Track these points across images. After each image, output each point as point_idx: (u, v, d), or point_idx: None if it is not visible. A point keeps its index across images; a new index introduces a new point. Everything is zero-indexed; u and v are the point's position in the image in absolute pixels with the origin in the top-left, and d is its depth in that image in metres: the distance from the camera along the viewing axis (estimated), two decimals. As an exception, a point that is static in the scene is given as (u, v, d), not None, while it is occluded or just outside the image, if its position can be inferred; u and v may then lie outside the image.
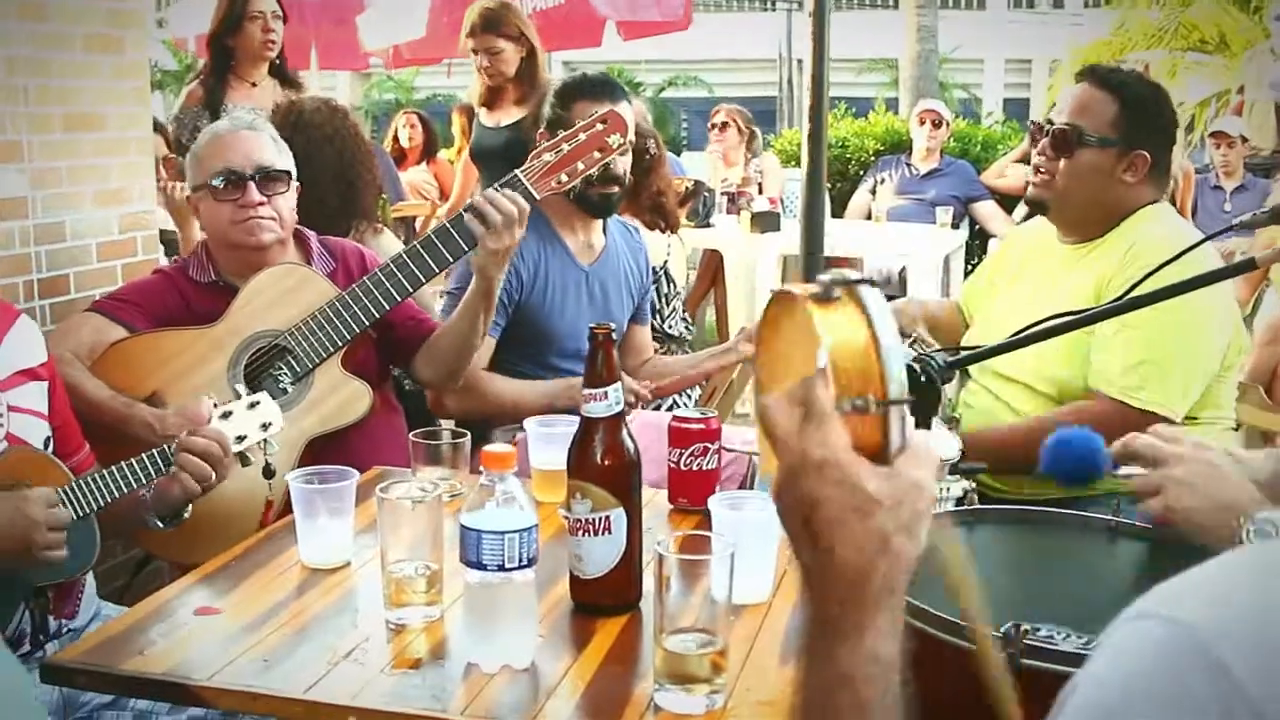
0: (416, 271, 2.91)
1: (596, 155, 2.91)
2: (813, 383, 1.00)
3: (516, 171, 2.91)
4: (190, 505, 2.41)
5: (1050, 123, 2.97)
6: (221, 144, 3.00)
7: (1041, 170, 2.97)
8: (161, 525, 2.41)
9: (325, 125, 3.74)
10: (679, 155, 10.59)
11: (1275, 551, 0.85)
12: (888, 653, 0.98)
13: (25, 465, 2.26)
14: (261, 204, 2.96)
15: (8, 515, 2.09)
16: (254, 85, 5.21)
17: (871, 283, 1.03)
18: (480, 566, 1.73)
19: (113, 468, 2.29)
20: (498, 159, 5.29)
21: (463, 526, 1.75)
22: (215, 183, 2.95)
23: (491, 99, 5.57)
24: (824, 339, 1.00)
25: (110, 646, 1.85)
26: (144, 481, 2.31)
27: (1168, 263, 2.30)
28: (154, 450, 2.32)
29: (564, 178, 2.90)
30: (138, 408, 2.80)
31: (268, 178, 2.99)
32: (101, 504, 2.27)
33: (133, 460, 2.31)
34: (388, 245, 3.81)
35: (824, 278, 1.04)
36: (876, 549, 0.98)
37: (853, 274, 1.04)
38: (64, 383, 2.60)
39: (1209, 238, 2.53)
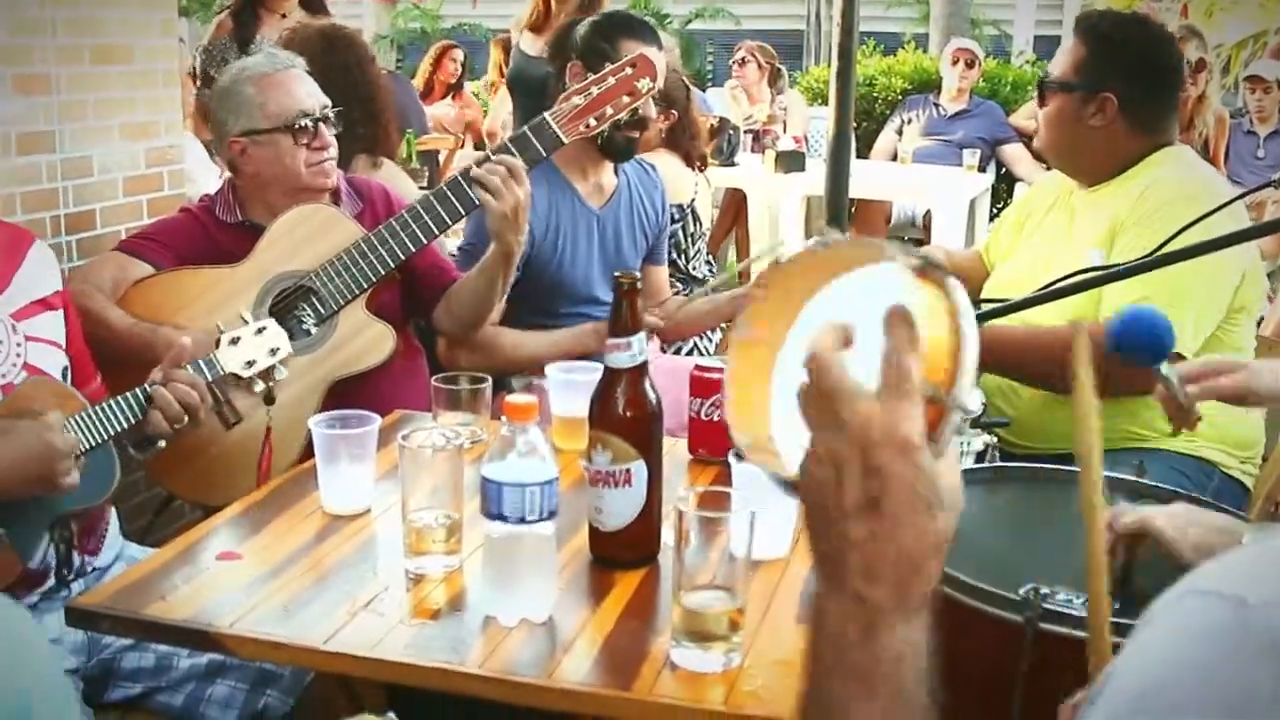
0: (443, 214, 2.90)
1: (625, 100, 2.89)
2: (910, 359, 0.93)
3: (545, 115, 2.89)
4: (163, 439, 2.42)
5: None
6: (282, 85, 2.99)
7: (1038, 122, 3.04)
8: (132, 451, 2.43)
9: (317, 57, 3.70)
10: (704, 90, 10.50)
11: None
12: (923, 644, 0.94)
13: (44, 394, 2.27)
14: (331, 144, 3.01)
15: (32, 442, 2.10)
16: (283, 16, 5.17)
17: (961, 280, 1.00)
18: (501, 518, 1.74)
19: (125, 394, 2.30)
20: (537, 93, 5.21)
21: (484, 478, 1.75)
22: (293, 126, 2.95)
23: (541, 22, 5.44)
24: (919, 318, 0.94)
25: (133, 591, 1.87)
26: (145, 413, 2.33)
27: (1197, 221, 2.28)
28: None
29: (593, 122, 2.88)
30: (161, 330, 2.81)
31: (328, 117, 3.02)
32: (116, 430, 2.29)
33: (145, 385, 2.33)
34: (389, 178, 3.77)
35: (916, 256, 0.99)
36: (933, 545, 0.93)
37: (939, 258, 1.01)
38: (87, 314, 2.61)
39: (1243, 195, 2.51)
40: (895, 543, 0.93)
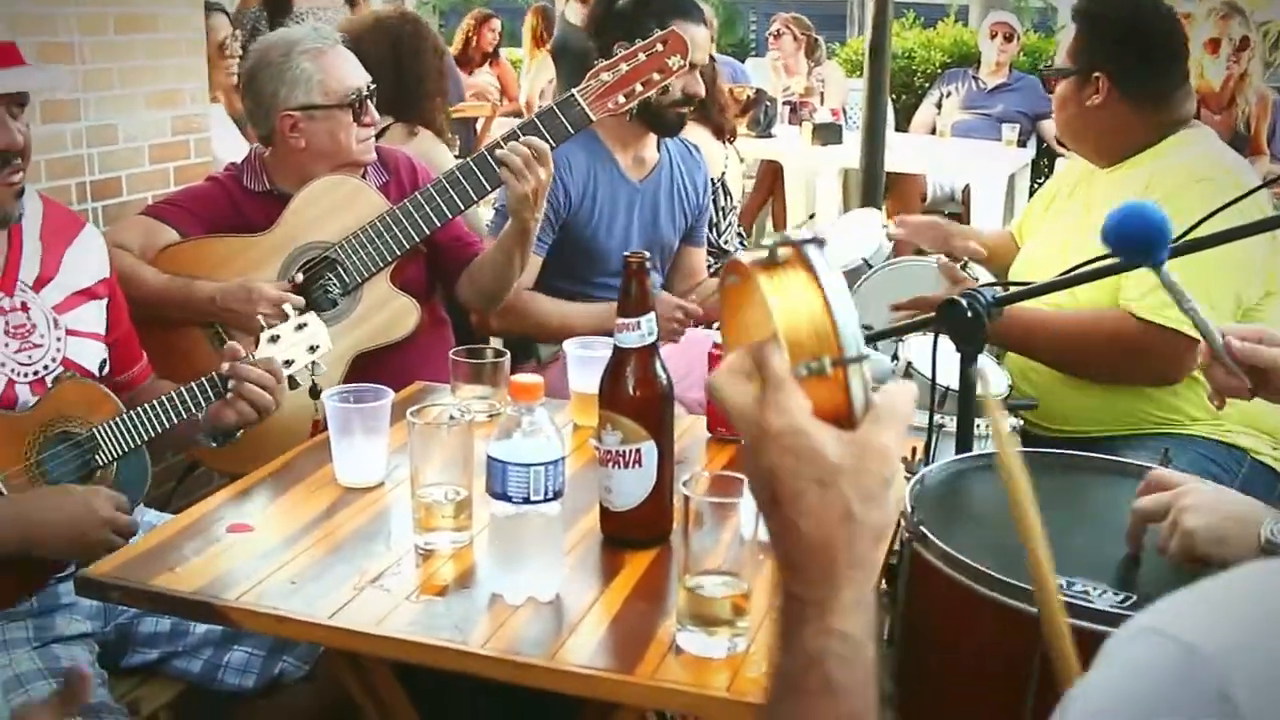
0: (469, 189, 2.88)
1: (656, 77, 2.86)
2: (766, 349, 0.95)
3: (573, 91, 2.87)
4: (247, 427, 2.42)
5: None
6: (338, 63, 3.00)
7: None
8: (214, 444, 2.44)
9: (377, 38, 3.75)
10: (744, 61, 10.43)
11: None
12: (856, 630, 0.94)
13: (77, 397, 2.27)
14: (378, 121, 3.05)
15: (77, 514, 2.10)
16: None
17: (819, 241, 0.98)
18: (506, 498, 1.73)
19: (162, 398, 2.30)
20: (582, 64, 5.17)
21: (489, 457, 1.74)
22: (352, 103, 2.97)
23: None
24: (773, 304, 0.96)
25: (143, 561, 1.88)
26: (193, 411, 2.32)
27: (1225, 207, 2.23)
28: (203, 379, 2.33)
29: (621, 99, 2.86)
30: (196, 284, 2.83)
31: (373, 95, 3.05)
32: (153, 434, 2.29)
33: (181, 390, 2.32)
34: (424, 149, 3.77)
35: (767, 241, 0.98)
36: (838, 519, 0.93)
37: (799, 233, 0.99)
38: (119, 274, 2.61)
39: (1257, 189, 2.47)
40: (796, 531, 0.94)
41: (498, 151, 2.81)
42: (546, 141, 2.81)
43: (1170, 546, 1.73)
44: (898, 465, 0.96)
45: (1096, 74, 2.84)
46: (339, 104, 2.97)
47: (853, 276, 3.17)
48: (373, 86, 3.04)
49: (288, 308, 2.46)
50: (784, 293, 0.96)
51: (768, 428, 0.94)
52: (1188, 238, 2.11)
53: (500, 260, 2.98)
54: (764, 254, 0.98)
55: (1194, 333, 2.61)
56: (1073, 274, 2.24)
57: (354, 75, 3.01)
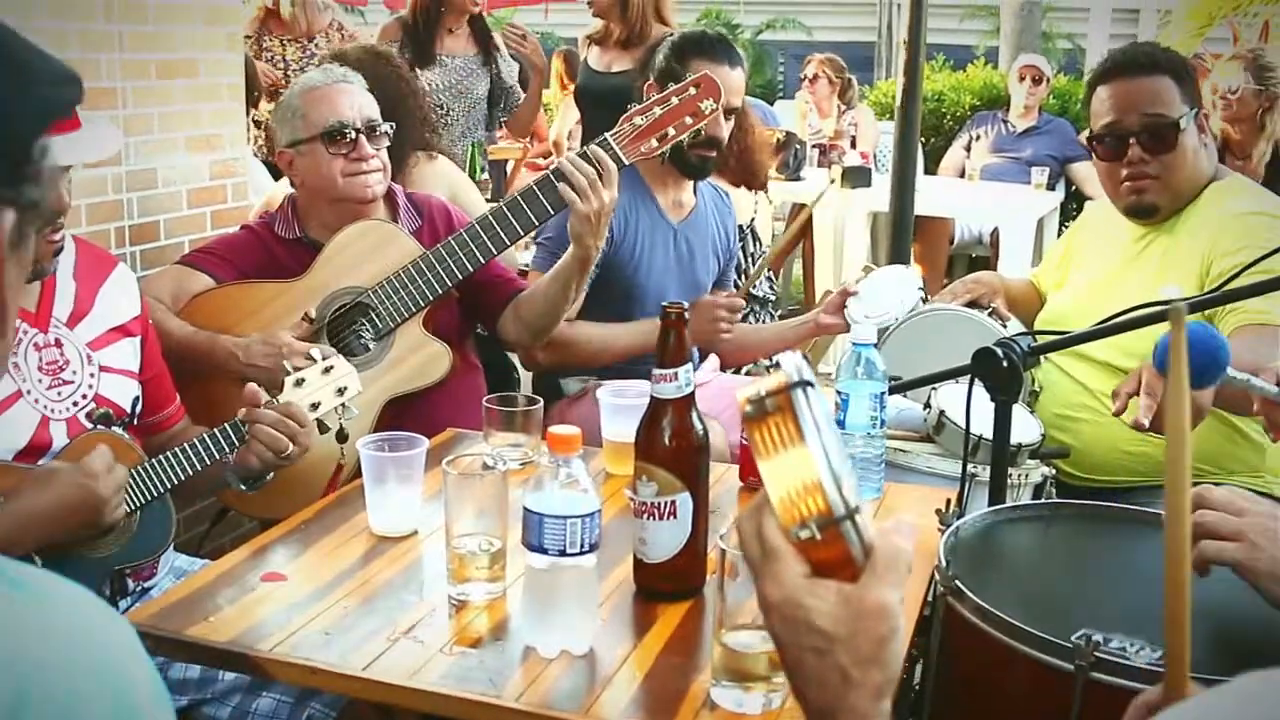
0: (501, 233, 2.89)
1: (689, 120, 2.86)
2: (760, 516, 0.99)
3: (606, 135, 2.88)
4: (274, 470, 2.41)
5: (1117, 127, 2.86)
6: (324, 97, 3.00)
7: (1144, 176, 2.85)
8: (245, 488, 2.44)
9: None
10: (772, 104, 10.46)
11: None
12: None
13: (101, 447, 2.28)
14: (373, 156, 3.00)
15: (73, 497, 2.08)
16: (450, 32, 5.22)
17: (807, 384, 0.97)
18: (541, 550, 1.73)
19: (184, 445, 2.31)
20: (602, 106, 5.21)
21: (525, 509, 1.74)
22: (326, 136, 2.96)
23: (604, 37, 5.43)
24: (762, 467, 0.97)
25: (178, 610, 1.88)
26: (214, 458, 2.32)
27: (1263, 258, 2.23)
28: (224, 426, 2.33)
29: (654, 143, 2.86)
30: (220, 339, 2.84)
31: (374, 130, 3.01)
32: (174, 483, 2.29)
33: (201, 437, 2.32)
34: (444, 171, 3.77)
35: (753, 391, 0.98)
36: (838, 685, 0.97)
37: (793, 373, 0.98)
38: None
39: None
40: (801, 693, 1.00)
41: (563, 165, 2.80)
42: (615, 161, 2.81)
43: (1224, 550, 1.69)
44: (898, 616, 0.99)
45: (1200, 109, 2.85)
46: (314, 136, 2.96)
47: (884, 331, 3.15)
48: (373, 123, 3.01)
49: (315, 351, 2.45)
50: (773, 451, 0.97)
51: (767, 599, 0.99)
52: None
53: (554, 292, 2.97)
54: (750, 407, 0.98)
55: None
56: (1115, 322, 2.24)
57: (338, 109, 2.99)
